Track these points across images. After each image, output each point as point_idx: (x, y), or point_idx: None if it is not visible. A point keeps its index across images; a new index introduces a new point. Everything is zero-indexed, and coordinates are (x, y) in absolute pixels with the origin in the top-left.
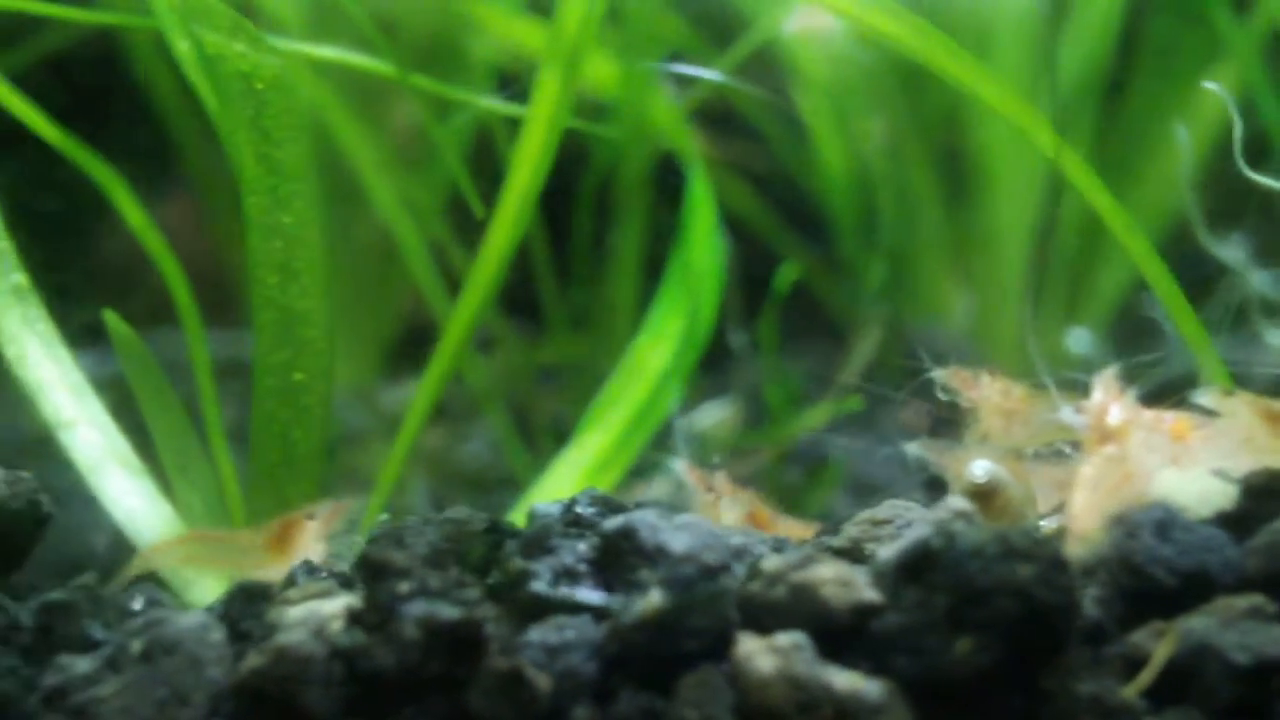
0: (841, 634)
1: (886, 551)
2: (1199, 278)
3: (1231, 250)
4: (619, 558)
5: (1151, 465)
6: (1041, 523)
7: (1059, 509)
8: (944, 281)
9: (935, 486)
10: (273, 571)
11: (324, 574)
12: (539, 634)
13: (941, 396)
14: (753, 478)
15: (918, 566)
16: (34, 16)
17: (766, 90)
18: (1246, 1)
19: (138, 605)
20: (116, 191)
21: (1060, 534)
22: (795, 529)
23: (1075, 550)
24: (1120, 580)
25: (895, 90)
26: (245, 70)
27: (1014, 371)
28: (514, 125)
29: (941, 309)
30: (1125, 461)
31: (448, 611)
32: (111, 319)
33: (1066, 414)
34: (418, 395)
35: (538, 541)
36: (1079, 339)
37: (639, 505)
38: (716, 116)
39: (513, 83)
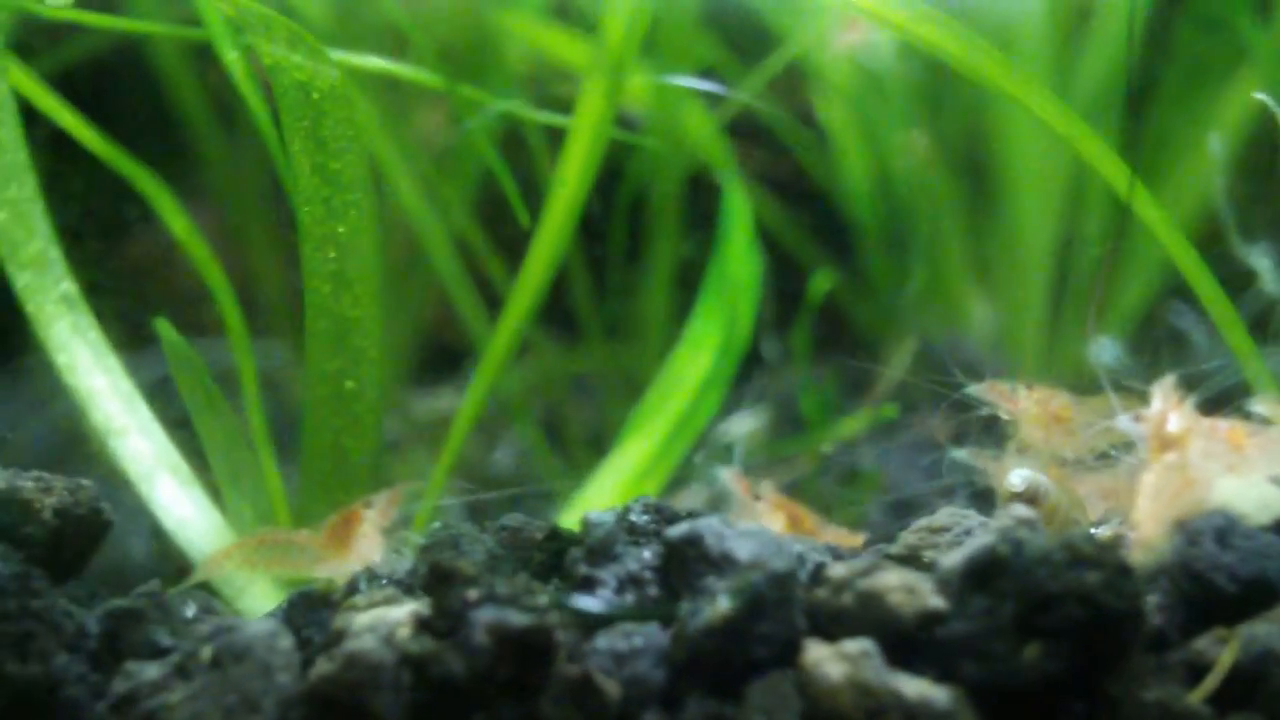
0: (908, 641)
1: (950, 559)
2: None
3: (1258, 258)
4: (684, 565)
5: (1211, 473)
6: (1094, 530)
7: (1107, 517)
8: (967, 292)
9: (980, 495)
10: (333, 569)
11: (385, 580)
12: (606, 641)
13: (978, 408)
14: (788, 486)
15: (985, 573)
16: (52, 27)
17: (791, 102)
18: (1270, 9)
19: (190, 612)
20: (161, 200)
21: (1114, 541)
22: (840, 537)
23: (1138, 557)
24: (1182, 587)
25: (918, 101)
26: (303, 80)
27: (1038, 380)
28: (545, 134)
29: (964, 319)
30: (1185, 469)
31: (517, 618)
32: (163, 327)
33: (1124, 422)
34: (466, 401)
35: (602, 549)
36: (1104, 349)
37: (691, 513)
38: (740, 128)
39: (535, 91)
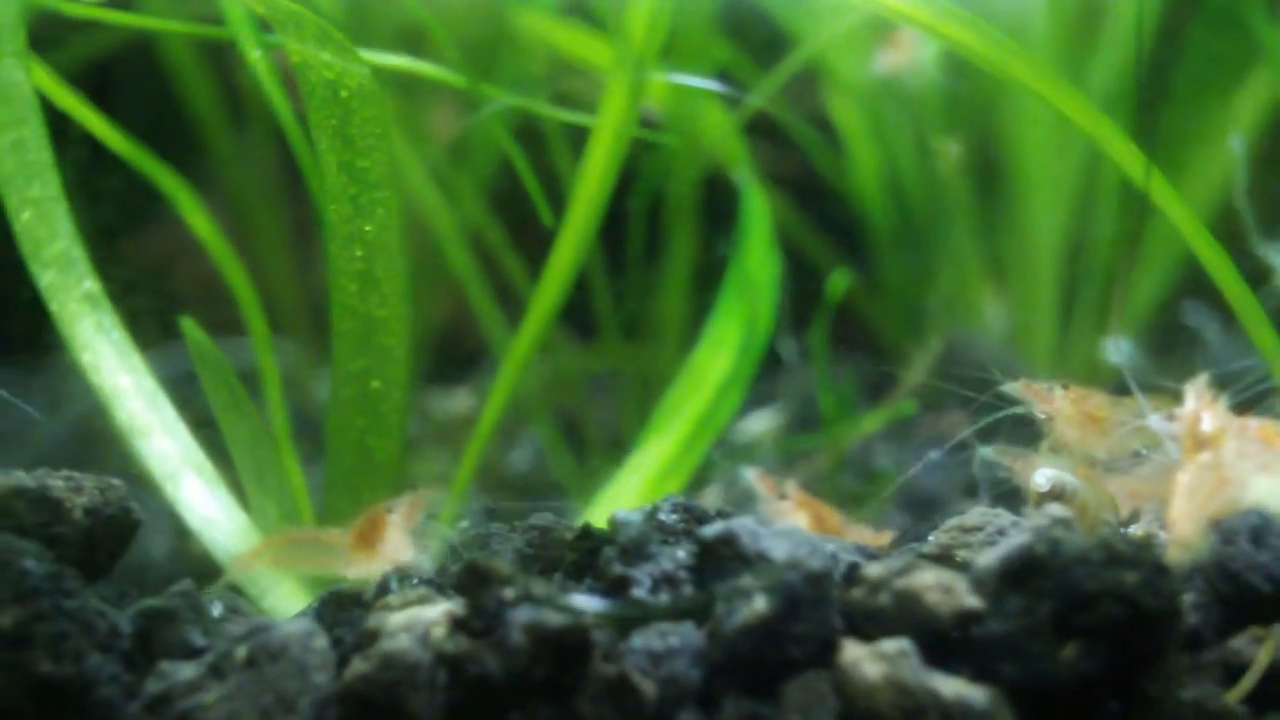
0: (944, 640)
1: (985, 558)
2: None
3: (1275, 255)
4: (720, 564)
5: (1245, 472)
6: (1124, 530)
7: (1135, 516)
8: (980, 291)
9: (1005, 494)
10: (362, 569)
11: (416, 580)
12: (642, 641)
13: (1001, 407)
14: (806, 485)
15: (1022, 573)
16: (60, 24)
17: (803, 101)
18: None
19: (217, 612)
20: (183, 200)
21: (1146, 541)
22: (865, 535)
23: (1174, 557)
24: (1218, 586)
25: (931, 101)
26: (331, 78)
27: (1051, 379)
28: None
29: (977, 318)
30: (1220, 469)
31: (554, 618)
32: (189, 326)
33: (1156, 422)
34: (489, 401)
35: (636, 548)
36: (1117, 349)
37: (720, 513)
38: (751, 126)
39: (545, 88)
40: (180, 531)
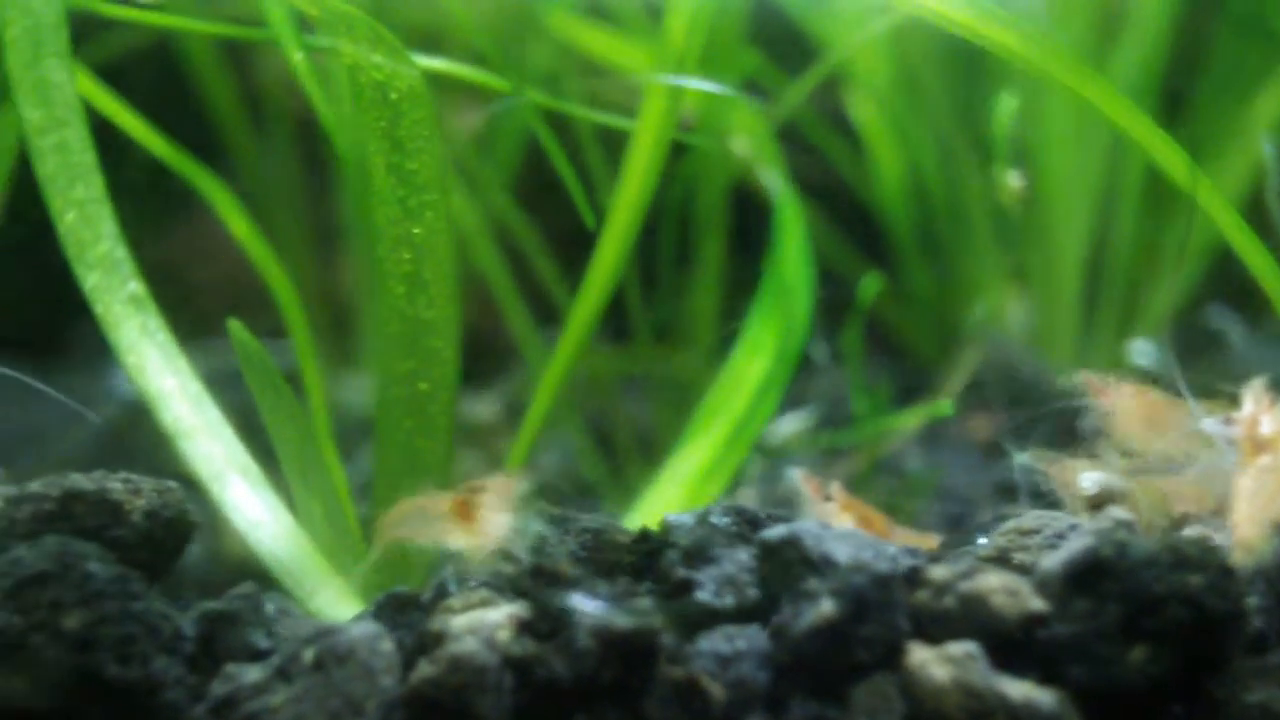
0: (1009, 643)
1: (1049, 561)
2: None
3: None
4: (784, 567)
5: None
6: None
7: (1185, 519)
8: (1003, 292)
9: (1040, 497)
10: (462, 542)
11: (474, 583)
12: (709, 643)
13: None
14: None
15: (1088, 576)
16: (82, 24)
17: (824, 102)
18: None
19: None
20: (221, 201)
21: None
22: (911, 538)
23: (1237, 559)
24: None
25: (950, 97)
26: (381, 80)
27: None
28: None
29: (1000, 319)
30: (1278, 471)
31: (621, 621)
32: (235, 328)
33: (1212, 425)
34: (534, 404)
35: (699, 551)
36: (1142, 351)
37: (771, 515)
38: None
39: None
40: (216, 532)
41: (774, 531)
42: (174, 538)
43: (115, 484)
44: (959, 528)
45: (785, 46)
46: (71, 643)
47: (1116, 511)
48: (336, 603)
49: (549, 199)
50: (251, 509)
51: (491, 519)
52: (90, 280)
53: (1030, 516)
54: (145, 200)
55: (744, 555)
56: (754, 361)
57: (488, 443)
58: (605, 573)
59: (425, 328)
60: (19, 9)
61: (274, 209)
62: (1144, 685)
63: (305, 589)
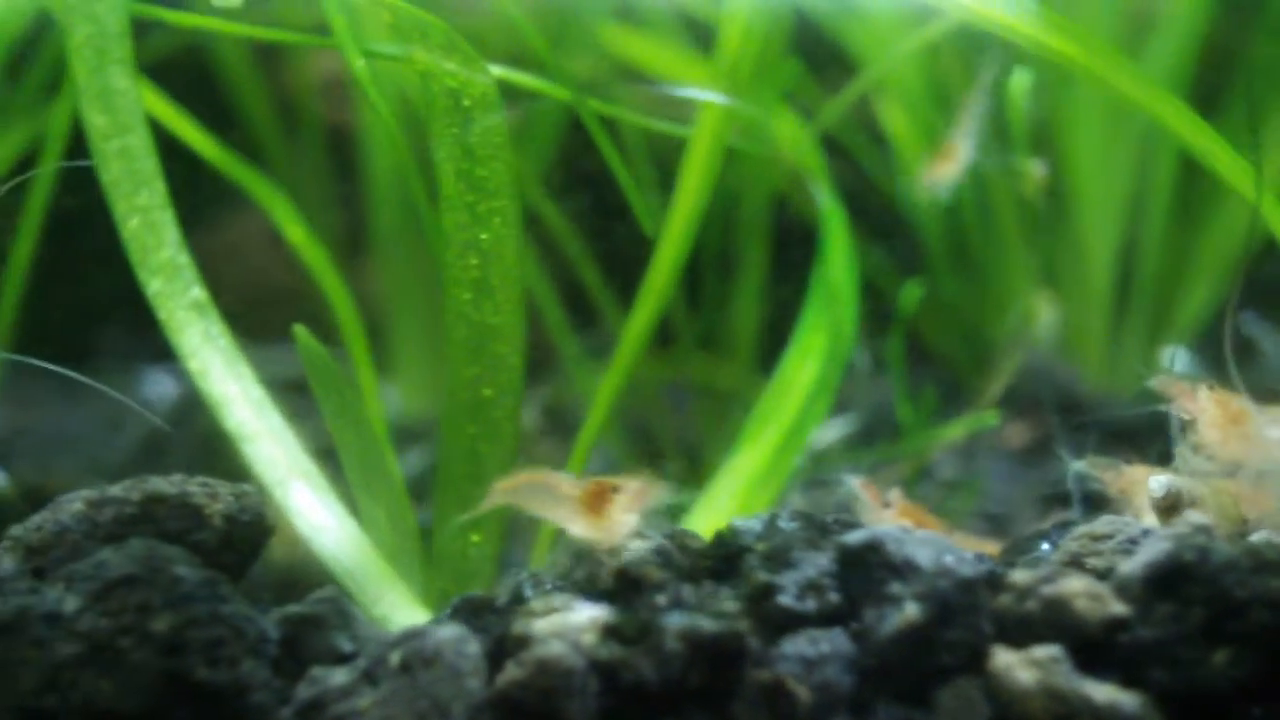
0: (1091, 647)
1: (1129, 565)
2: None
3: None
4: (866, 571)
5: None
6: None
7: (1257, 523)
8: (1033, 297)
9: (1093, 503)
10: (584, 532)
11: (549, 585)
12: (793, 646)
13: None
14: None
15: (1170, 580)
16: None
17: (855, 110)
18: None
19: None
20: (276, 207)
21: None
22: (971, 544)
23: None
24: None
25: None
26: (454, 87)
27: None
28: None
29: (1030, 325)
30: None
31: (708, 624)
32: (301, 333)
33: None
34: (592, 410)
35: (779, 555)
36: (1176, 357)
37: (838, 520)
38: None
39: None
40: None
41: (854, 536)
42: (250, 541)
43: (194, 487)
44: (1004, 534)
45: (815, 55)
46: (160, 646)
47: (1194, 516)
48: (400, 608)
49: (572, 201)
50: (314, 514)
51: (620, 519)
52: (153, 286)
53: (1102, 521)
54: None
55: (824, 559)
56: (805, 367)
57: (526, 449)
58: (685, 577)
59: (491, 333)
60: (83, 16)
61: (307, 214)
62: (1226, 688)
63: (370, 594)
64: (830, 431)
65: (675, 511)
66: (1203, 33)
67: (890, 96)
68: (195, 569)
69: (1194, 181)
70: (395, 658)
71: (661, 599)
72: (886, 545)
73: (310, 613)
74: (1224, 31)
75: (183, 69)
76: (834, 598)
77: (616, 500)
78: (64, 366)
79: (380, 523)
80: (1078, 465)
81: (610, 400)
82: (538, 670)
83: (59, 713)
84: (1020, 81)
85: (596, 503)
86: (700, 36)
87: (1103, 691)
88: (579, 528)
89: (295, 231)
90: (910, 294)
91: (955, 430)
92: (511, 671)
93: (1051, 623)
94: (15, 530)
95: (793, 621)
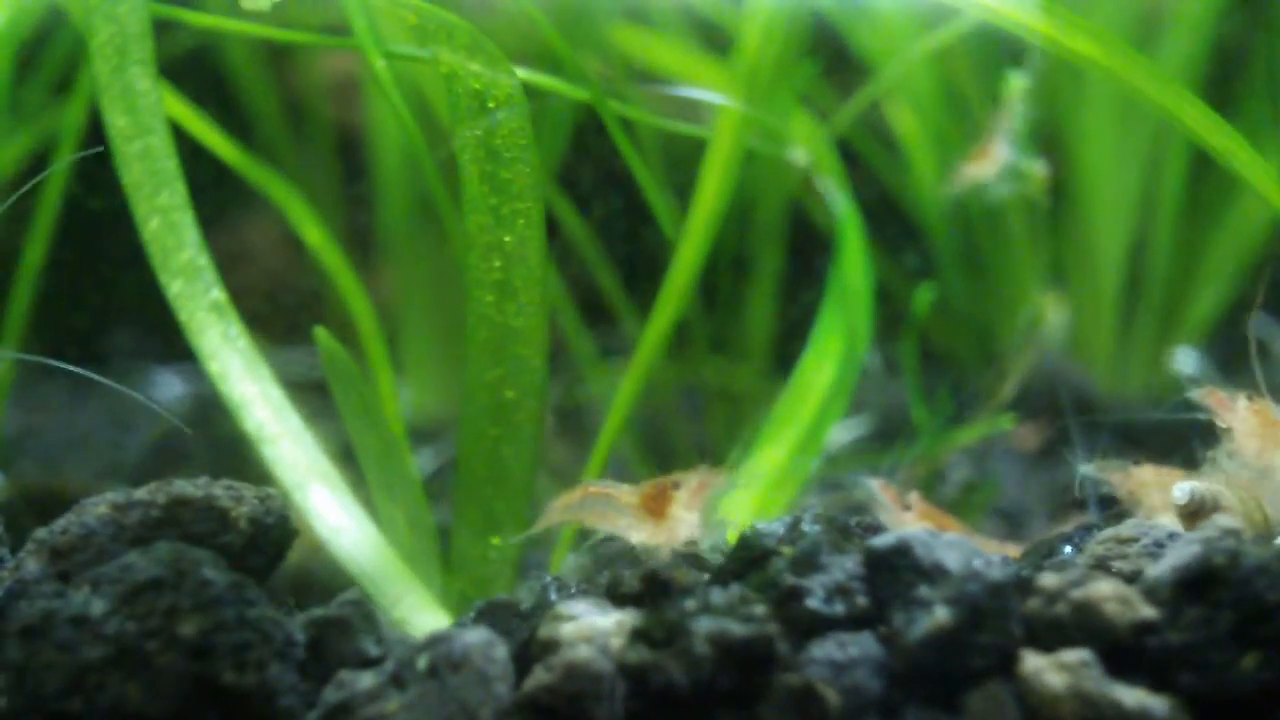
0: (1120, 650)
1: (1157, 569)
2: None
3: None
4: (894, 574)
5: None
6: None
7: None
8: (1041, 299)
9: (1109, 505)
10: (645, 537)
11: (573, 589)
12: (822, 650)
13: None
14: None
15: (1199, 584)
16: None
17: (863, 111)
18: None
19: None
20: (294, 209)
21: None
22: (992, 547)
23: None
24: None
25: (990, 107)
26: (479, 89)
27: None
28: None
29: (1038, 326)
30: None
31: (737, 628)
32: (322, 335)
33: None
34: (611, 412)
35: (807, 558)
36: (1184, 359)
37: (860, 523)
38: None
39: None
40: None
41: (882, 539)
42: (276, 544)
43: (219, 490)
44: (1019, 536)
45: (825, 57)
46: (188, 649)
47: (1224, 519)
48: (420, 610)
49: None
50: (333, 516)
51: (681, 517)
52: (174, 287)
53: (1128, 525)
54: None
55: (851, 562)
56: (822, 369)
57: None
58: (712, 580)
59: (514, 335)
60: (104, 17)
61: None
62: (1256, 692)
63: (389, 597)
64: (844, 434)
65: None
66: (1215, 31)
67: (901, 99)
68: (223, 572)
69: (1204, 181)
70: (422, 661)
71: (690, 603)
72: (915, 549)
73: (336, 616)
74: (1236, 29)
75: (192, 70)
76: (862, 601)
77: (676, 498)
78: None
79: (399, 524)
80: (1087, 468)
81: (628, 403)
82: (566, 674)
83: (85, 716)
84: (1019, 82)
85: (657, 505)
86: (709, 38)
87: (1132, 695)
88: (641, 535)
89: (313, 233)
90: (923, 297)
91: (971, 433)
92: (540, 676)
93: (1081, 626)
94: (40, 533)
95: (821, 625)
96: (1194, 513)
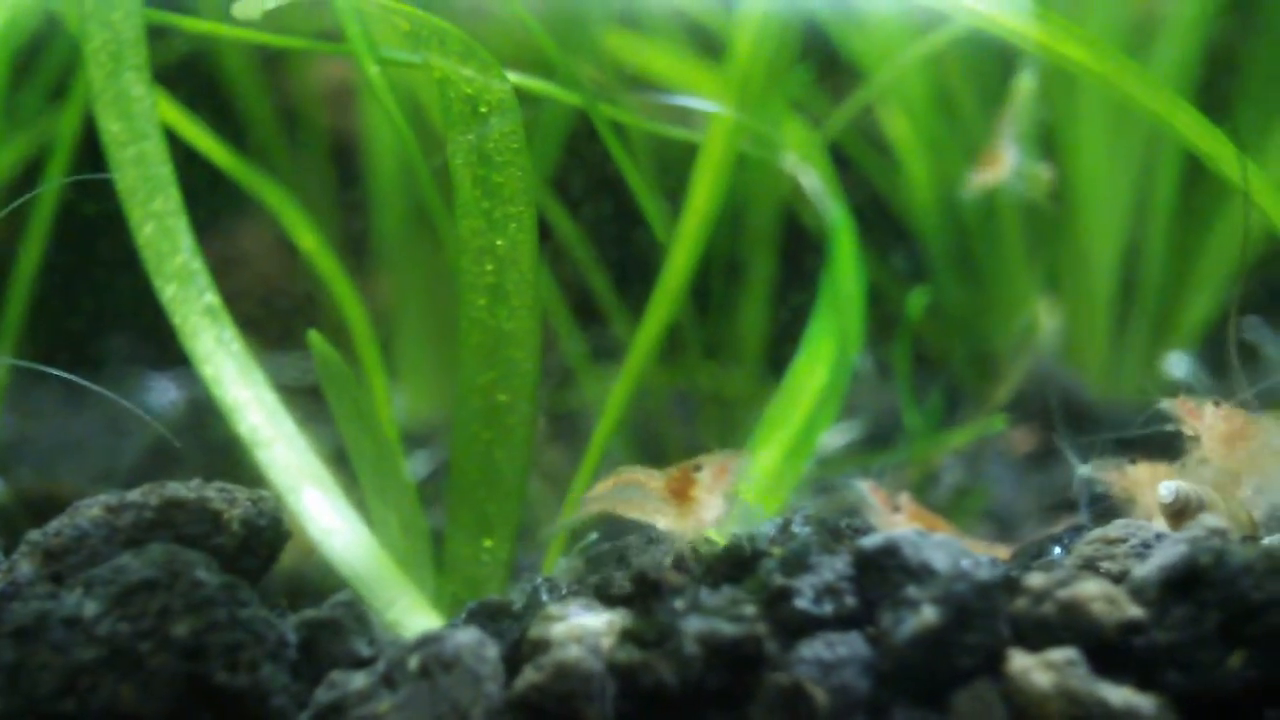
0: (1107, 650)
1: (1144, 569)
2: None
3: None
4: (882, 575)
5: None
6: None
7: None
8: (1035, 303)
9: (1100, 507)
10: (670, 524)
11: (564, 590)
12: (811, 650)
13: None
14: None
15: (1186, 583)
16: None
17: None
18: None
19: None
20: (288, 214)
21: None
22: (982, 548)
23: None
24: None
25: (984, 112)
26: (471, 94)
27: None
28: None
29: (1032, 330)
30: None
31: (727, 628)
32: (315, 339)
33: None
34: (604, 416)
35: (795, 559)
36: (1177, 363)
37: (850, 525)
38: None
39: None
40: None
41: (871, 540)
42: (268, 546)
43: (212, 492)
44: (1011, 538)
45: (817, 61)
46: (180, 650)
47: (1210, 519)
48: (412, 612)
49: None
50: (326, 518)
51: (705, 500)
52: (168, 291)
53: (1116, 525)
54: None
55: (840, 563)
56: (814, 372)
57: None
58: (701, 581)
59: (506, 339)
60: (99, 23)
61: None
62: (1242, 691)
63: (382, 599)
64: (836, 437)
65: None
66: (1207, 37)
67: (894, 104)
68: (215, 574)
69: (1197, 187)
70: (414, 662)
71: (679, 603)
72: (903, 549)
73: (328, 617)
74: (1228, 35)
75: (186, 76)
76: (851, 601)
77: (699, 481)
78: (68, 373)
79: (392, 527)
80: (1083, 469)
81: (621, 406)
82: (556, 674)
83: (79, 717)
84: (1025, 84)
85: (681, 489)
86: (702, 42)
87: (1119, 694)
88: (666, 520)
89: (306, 238)
90: (916, 300)
91: (962, 436)
92: (530, 675)
93: (1068, 626)
94: (33, 535)
95: (810, 625)
96: (1179, 512)
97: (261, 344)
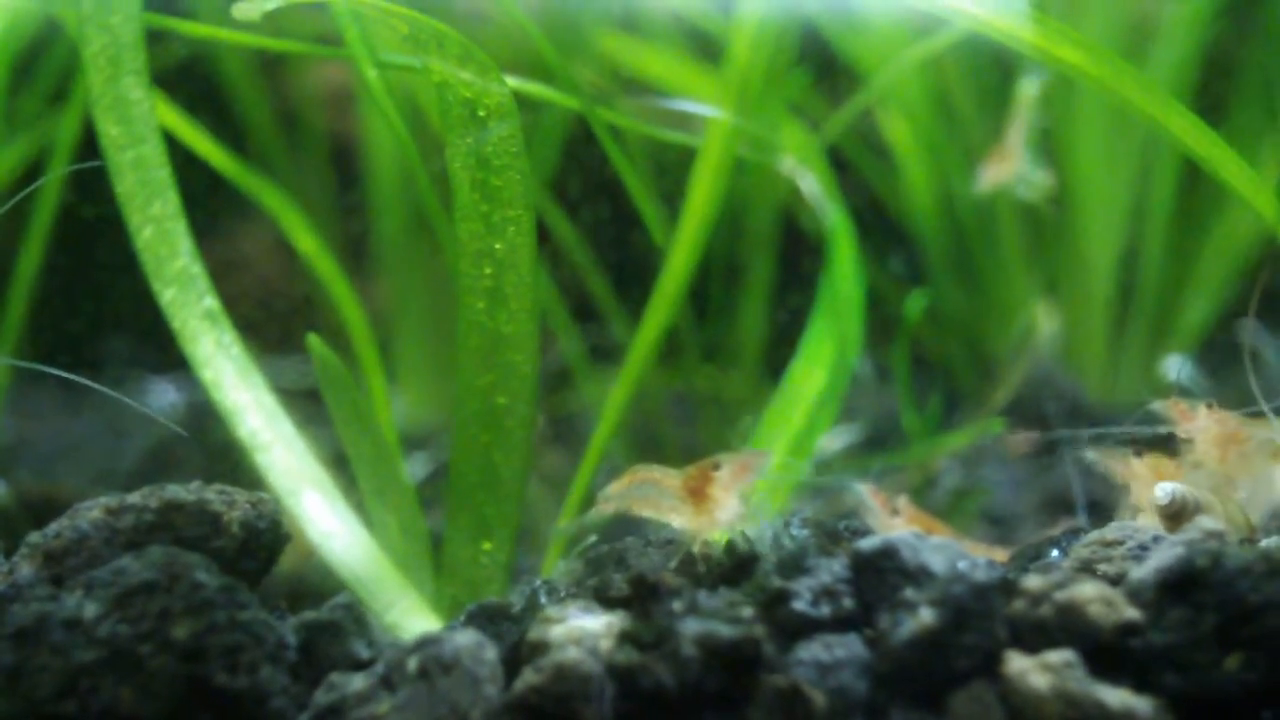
0: (1104, 652)
1: (1140, 571)
2: None
3: None
4: (880, 577)
5: None
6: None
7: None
8: (1033, 306)
9: (1098, 510)
10: (687, 523)
11: (563, 592)
12: (808, 652)
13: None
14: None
15: (1183, 585)
16: None
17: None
18: None
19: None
20: (287, 217)
21: None
22: (980, 551)
23: None
24: None
25: (982, 115)
26: (469, 97)
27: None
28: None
29: (1031, 333)
30: None
31: (725, 630)
32: (314, 342)
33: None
34: (603, 418)
35: (794, 561)
36: (1176, 366)
37: (848, 527)
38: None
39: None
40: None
41: (868, 542)
42: (267, 548)
43: (211, 495)
44: (1009, 541)
45: (815, 65)
46: (180, 652)
47: (1207, 521)
48: (412, 615)
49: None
50: (325, 521)
51: (722, 499)
52: (167, 295)
53: (1113, 527)
54: None
55: (838, 565)
56: (813, 375)
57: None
58: (699, 583)
59: (505, 342)
60: (98, 27)
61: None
62: (1239, 692)
63: (381, 601)
64: (835, 440)
65: None
66: (1205, 41)
67: (892, 107)
68: (215, 576)
69: (1195, 190)
70: (413, 663)
71: (678, 605)
72: (901, 551)
73: (328, 619)
74: (1226, 40)
75: (185, 80)
76: (848, 603)
77: (717, 480)
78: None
79: (391, 530)
80: (1083, 465)
81: (620, 409)
82: (555, 676)
83: (78, 719)
84: (1032, 86)
85: (699, 487)
86: (700, 46)
87: (1116, 696)
88: (681, 519)
89: (306, 241)
90: (914, 303)
91: (961, 438)
92: (529, 677)
93: (1065, 628)
94: (33, 537)
95: (807, 627)
96: (1175, 514)
97: (261, 347)
